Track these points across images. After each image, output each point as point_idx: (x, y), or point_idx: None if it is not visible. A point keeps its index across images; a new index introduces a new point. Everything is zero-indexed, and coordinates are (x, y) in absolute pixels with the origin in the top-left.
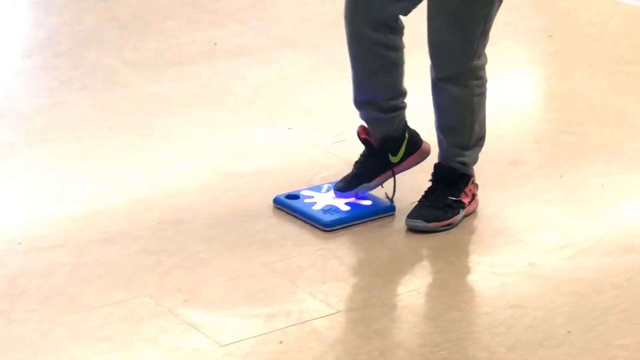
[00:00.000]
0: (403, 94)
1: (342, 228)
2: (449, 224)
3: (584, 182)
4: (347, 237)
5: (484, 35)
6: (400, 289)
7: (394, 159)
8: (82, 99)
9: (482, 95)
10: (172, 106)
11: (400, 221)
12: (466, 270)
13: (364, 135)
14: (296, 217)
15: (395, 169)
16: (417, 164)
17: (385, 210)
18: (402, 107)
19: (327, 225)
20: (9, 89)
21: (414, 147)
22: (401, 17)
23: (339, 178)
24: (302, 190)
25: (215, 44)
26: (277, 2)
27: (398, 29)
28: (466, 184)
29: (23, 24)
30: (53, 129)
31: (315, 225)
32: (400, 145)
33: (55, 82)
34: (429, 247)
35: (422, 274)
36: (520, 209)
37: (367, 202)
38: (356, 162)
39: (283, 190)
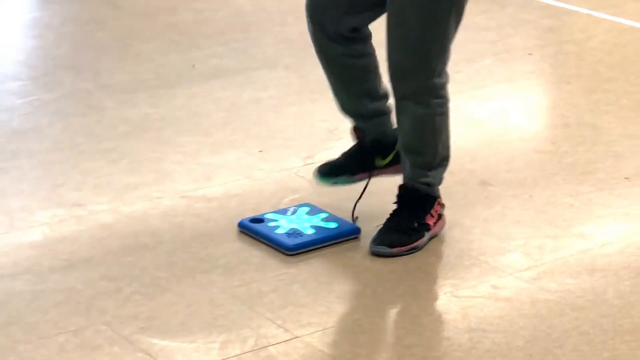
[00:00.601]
0: (384, 96)
1: (306, 252)
2: (412, 248)
3: (554, 202)
4: (311, 261)
5: (442, 53)
6: (360, 314)
7: (380, 163)
8: (55, 124)
9: (444, 114)
10: (144, 130)
11: (365, 244)
12: (428, 294)
13: (358, 133)
14: (260, 241)
15: (376, 172)
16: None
17: (350, 233)
18: (387, 112)
19: (291, 249)
20: None
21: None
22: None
23: (305, 201)
24: (267, 213)
25: (193, 66)
26: (259, 23)
27: (361, 38)
28: (432, 205)
29: (1, 47)
30: (23, 154)
31: (279, 249)
32: (391, 152)
33: (29, 107)
34: (392, 270)
35: (383, 298)
36: (488, 231)
37: (332, 225)
38: (345, 152)
39: (250, 214)
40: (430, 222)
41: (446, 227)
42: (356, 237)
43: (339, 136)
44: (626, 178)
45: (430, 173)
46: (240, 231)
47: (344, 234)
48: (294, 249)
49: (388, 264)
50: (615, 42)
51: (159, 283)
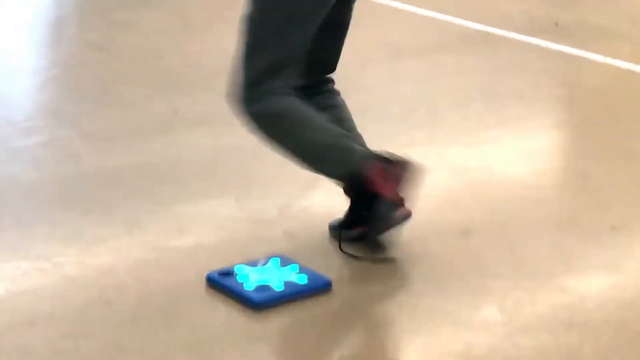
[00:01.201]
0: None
1: (275, 306)
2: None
3: (534, 253)
4: (278, 317)
5: (247, 77)
6: None
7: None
8: (29, 173)
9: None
10: (119, 179)
11: (335, 299)
12: (398, 352)
13: None
14: (228, 295)
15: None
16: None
17: (321, 287)
18: None
19: (257, 305)
20: None
21: None
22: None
23: (279, 252)
24: (237, 266)
25: (175, 112)
26: None
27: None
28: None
29: None
30: None
31: (246, 304)
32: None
33: (5, 155)
34: (362, 326)
35: (349, 355)
36: (465, 284)
37: (302, 279)
38: None
39: (220, 266)
40: (384, 191)
41: (420, 282)
42: (327, 291)
43: (318, 185)
44: (611, 228)
45: None
46: (209, 285)
47: (313, 289)
48: (261, 304)
49: (357, 320)
50: (608, 85)
51: (120, 340)
